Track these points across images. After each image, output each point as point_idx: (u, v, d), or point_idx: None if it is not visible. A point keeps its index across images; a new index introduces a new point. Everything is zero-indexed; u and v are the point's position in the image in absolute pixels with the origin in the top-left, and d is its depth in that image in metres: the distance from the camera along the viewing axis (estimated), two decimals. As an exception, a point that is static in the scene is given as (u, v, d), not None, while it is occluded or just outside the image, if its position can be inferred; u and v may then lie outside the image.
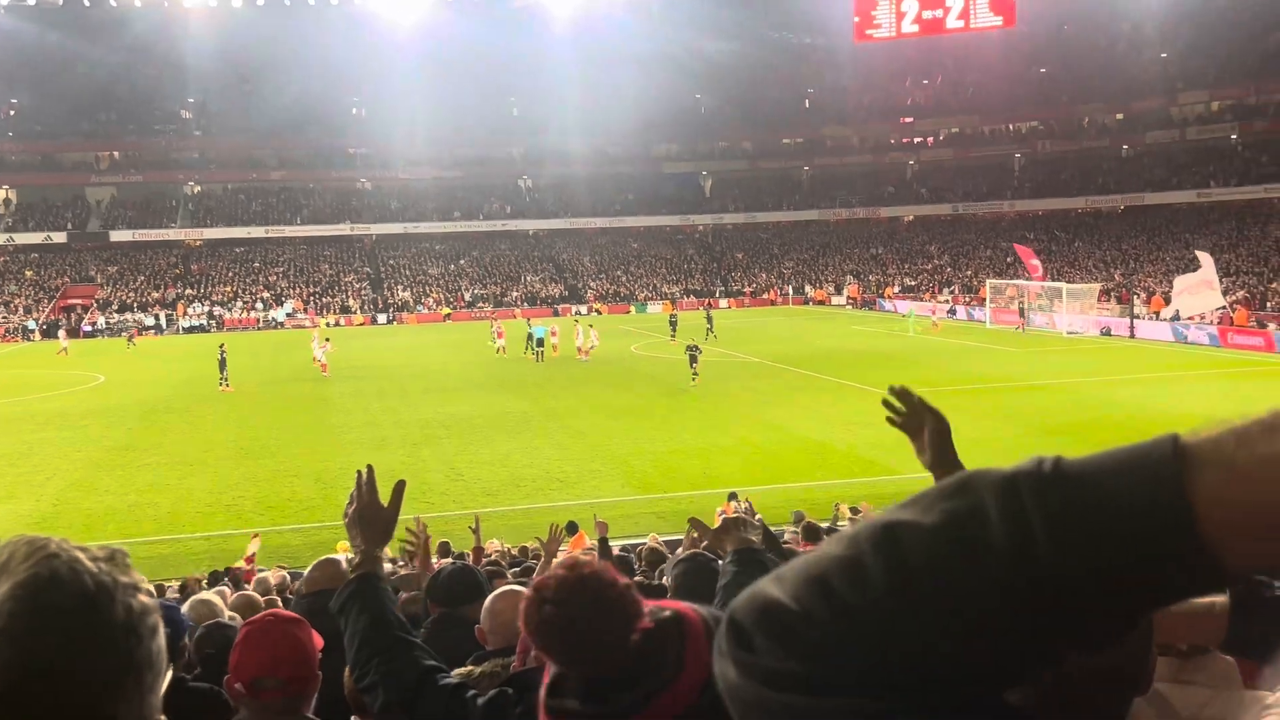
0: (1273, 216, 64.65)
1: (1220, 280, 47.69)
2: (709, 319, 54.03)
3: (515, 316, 58.42)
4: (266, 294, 74.60)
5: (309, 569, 5.90)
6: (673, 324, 53.80)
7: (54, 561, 1.05)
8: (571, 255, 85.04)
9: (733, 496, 18.48)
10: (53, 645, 1.02)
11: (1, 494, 23.40)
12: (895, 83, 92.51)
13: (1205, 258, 47.57)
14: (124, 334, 61.69)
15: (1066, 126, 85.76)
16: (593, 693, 1.23)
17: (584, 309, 73.79)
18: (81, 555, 1.07)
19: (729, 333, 53.86)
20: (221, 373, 37.82)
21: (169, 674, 1.13)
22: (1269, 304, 51.18)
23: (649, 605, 1.33)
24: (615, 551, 12.58)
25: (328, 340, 44.17)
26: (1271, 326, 46.73)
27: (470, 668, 3.59)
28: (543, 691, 1.31)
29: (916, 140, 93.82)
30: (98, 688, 1.03)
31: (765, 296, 78.80)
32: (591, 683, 1.23)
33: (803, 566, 0.90)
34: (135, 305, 71.66)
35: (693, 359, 36.63)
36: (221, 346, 39.99)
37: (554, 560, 8.08)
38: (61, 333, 58.98)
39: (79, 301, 71.93)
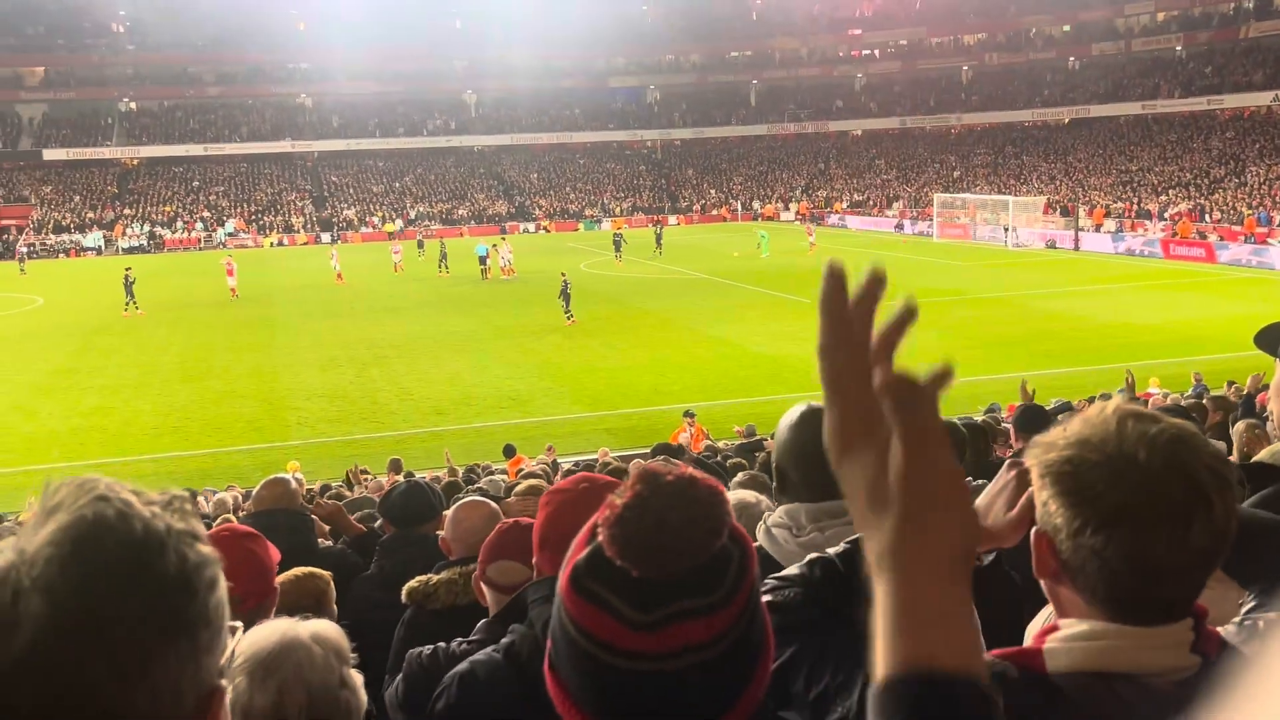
0: (1214, 129, 65.08)
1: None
2: (658, 237, 53.53)
3: (462, 235, 57.83)
4: (207, 213, 73.12)
5: (258, 488, 5.94)
6: (617, 244, 50.09)
7: (100, 505, 0.97)
8: (518, 172, 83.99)
9: (689, 414, 18.23)
10: (93, 598, 0.93)
11: (-60, 419, 22.98)
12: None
13: None
14: (17, 259, 57.88)
15: (1013, 38, 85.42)
16: (646, 597, 1.08)
17: (532, 227, 73.23)
18: (134, 499, 1.00)
19: (679, 250, 53.67)
20: (129, 297, 36.90)
21: (237, 635, 1.05)
22: (1209, 216, 51.82)
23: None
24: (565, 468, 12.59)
25: (229, 257, 43.95)
26: (1213, 238, 47.42)
27: (429, 576, 3.61)
28: (573, 567, 1.14)
29: (865, 53, 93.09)
30: (143, 646, 0.95)
31: (717, 213, 78.39)
32: (647, 585, 1.09)
33: None
34: (72, 226, 69.91)
35: (565, 296, 32.49)
36: (127, 270, 38.49)
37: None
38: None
39: (13, 223, 69.97)
